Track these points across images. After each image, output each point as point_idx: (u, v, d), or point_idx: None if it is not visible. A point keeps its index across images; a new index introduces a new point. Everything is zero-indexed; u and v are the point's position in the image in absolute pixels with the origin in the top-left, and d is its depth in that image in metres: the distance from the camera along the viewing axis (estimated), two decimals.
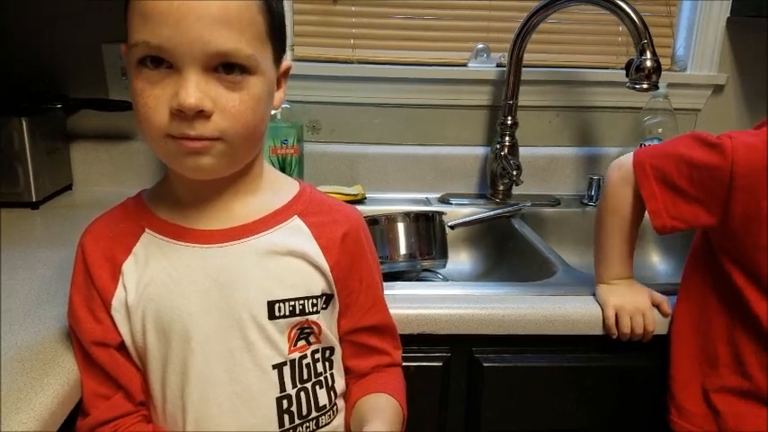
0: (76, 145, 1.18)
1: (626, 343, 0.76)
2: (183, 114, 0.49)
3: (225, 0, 0.49)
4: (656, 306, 0.77)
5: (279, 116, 1.14)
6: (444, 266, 1.06)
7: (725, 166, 0.67)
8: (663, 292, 0.79)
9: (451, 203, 1.20)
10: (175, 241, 0.57)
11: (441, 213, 1.06)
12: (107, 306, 0.56)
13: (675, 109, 1.22)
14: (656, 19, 1.30)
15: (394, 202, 1.19)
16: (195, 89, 0.49)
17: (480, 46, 1.25)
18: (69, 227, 1.00)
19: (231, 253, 0.57)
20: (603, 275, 0.79)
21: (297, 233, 0.59)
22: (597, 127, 1.29)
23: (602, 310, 0.76)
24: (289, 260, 0.58)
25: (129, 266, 0.56)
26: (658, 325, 0.76)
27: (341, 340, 0.64)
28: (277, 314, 0.56)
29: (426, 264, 1.03)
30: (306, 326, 0.58)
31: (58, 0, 1.09)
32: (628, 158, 0.77)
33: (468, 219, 1.13)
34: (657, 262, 1.18)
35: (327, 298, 0.60)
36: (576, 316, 0.76)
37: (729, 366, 0.72)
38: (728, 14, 1.25)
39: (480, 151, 1.26)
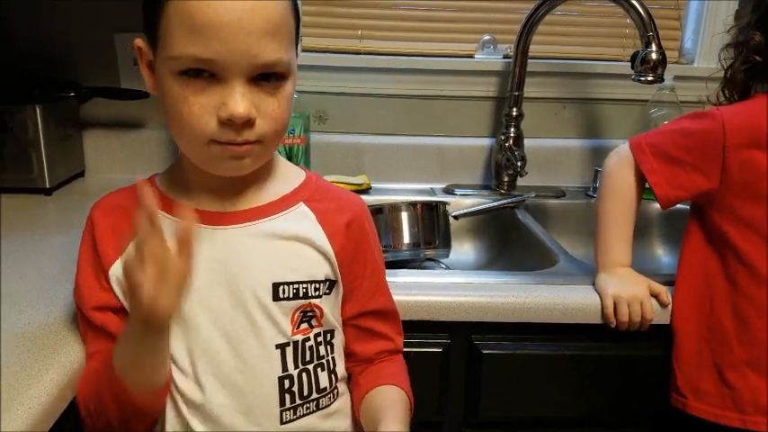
0: (89, 133, 1.20)
1: (625, 332, 0.77)
2: (231, 123, 0.51)
3: (265, 7, 0.51)
4: (655, 296, 0.77)
5: None
6: (447, 256, 1.08)
7: (717, 128, 0.73)
8: (666, 283, 0.80)
9: (456, 194, 1.21)
10: None
11: (444, 203, 1.08)
12: (106, 273, 0.58)
13: (682, 101, 1.22)
14: (664, 11, 1.30)
15: (399, 192, 1.20)
16: (243, 99, 0.51)
17: (487, 37, 1.25)
18: (81, 213, 0.99)
19: (239, 235, 0.59)
20: (603, 262, 0.80)
21: (302, 219, 0.61)
22: (603, 119, 1.30)
23: (600, 298, 0.77)
24: (294, 245, 0.60)
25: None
26: (657, 314, 0.77)
27: (345, 325, 0.65)
28: (281, 296, 0.58)
29: (429, 253, 1.05)
30: (308, 309, 0.60)
31: None
32: (624, 145, 0.81)
33: (471, 209, 1.14)
34: (661, 254, 1.19)
35: (331, 284, 0.62)
36: (574, 305, 0.77)
37: (738, 338, 0.74)
38: (737, 7, 1.24)
39: (486, 142, 1.27)
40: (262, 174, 0.61)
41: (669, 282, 0.80)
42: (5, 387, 0.52)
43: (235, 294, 0.58)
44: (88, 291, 0.59)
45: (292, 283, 0.59)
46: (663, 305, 0.77)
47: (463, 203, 1.17)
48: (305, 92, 1.21)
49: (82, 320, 0.61)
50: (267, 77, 0.53)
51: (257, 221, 0.59)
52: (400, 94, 1.26)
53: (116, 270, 0.58)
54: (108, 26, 1.15)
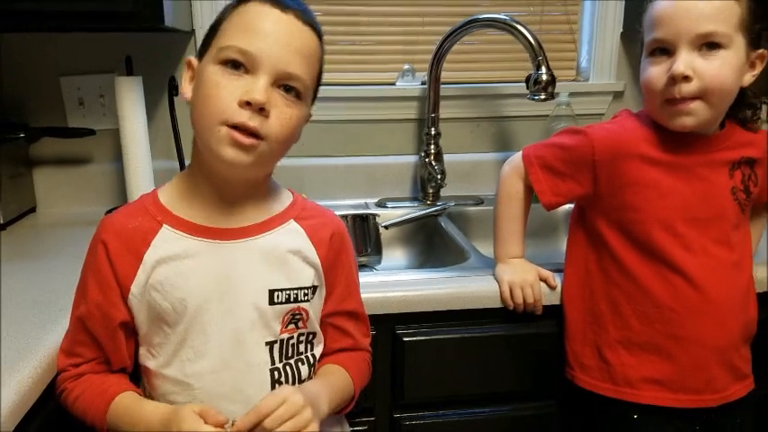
0: (39, 170, 1.28)
1: (523, 314, 0.90)
2: (249, 107, 0.61)
3: (305, 36, 0.65)
4: (544, 280, 0.91)
5: None
6: (380, 262, 1.20)
7: (587, 144, 0.85)
8: (558, 271, 0.93)
9: (387, 207, 1.34)
10: (192, 236, 0.68)
11: (374, 215, 1.20)
12: (124, 290, 0.67)
13: (583, 114, 1.40)
14: (561, 36, 1.48)
15: (336, 208, 1.28)
16: (265, 91, 0.62)
17: (406, 67, 1.40)
18: (34, 245, 1.10)
19: (240, 249, 0.69)
20: (500, 255, 0.94)
21: (294, 234, 0.72)
22: (512, 134, 1.46)
23: (498, 285, 0.90)
24: (287, 256, 0.70)
25: (149, 256, 0.66)
26: (545, 296, 0.91)
27: (322, 323, 0.76)
28: (275, 300, 0.69)
29: (363, 260, 1.17)
30: (297, 312, 0.71)
31: (16, 37, 1.20)
32: (517, 155, 0.93)
33: (397, 219, 1.27)
34: None
35: (314, 289, 0.73)
36: (479, 293, 0.90)
37: (612, 321, 0.86)
38: (621, 29, 1.43)
39: (412, 159, 1.40)
40: (260, 194, 0.72)
41: (560, 269, 0.94)
42: None
43: (236, 300, 0.68)
44: (97, 312, 0.67)
45: (285, 289, 0.69)
46: (551, 288, 0.91)
47: (394, 215, 1.30)
48: None
49: (77, 328, 0.69)
50: (288, 90, 0.64)
51: (256, 237, 0.69)
52: (332, 120, 1.38)
53: (135, 289, 0.66)
54: (53, 70, 1.23)
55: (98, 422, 0.67)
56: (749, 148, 0.86)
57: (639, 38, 0.86)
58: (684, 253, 0.82)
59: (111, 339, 0.69)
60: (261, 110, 0.62)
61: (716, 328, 0.83)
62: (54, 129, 1.22)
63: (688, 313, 0.82)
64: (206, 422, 0.60)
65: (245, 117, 0.62)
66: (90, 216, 1.20)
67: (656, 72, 0.80)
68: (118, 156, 1.19)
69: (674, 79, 0.77)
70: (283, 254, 0.70)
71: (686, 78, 0.77)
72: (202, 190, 0.69)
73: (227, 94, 0.62)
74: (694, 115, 0.79)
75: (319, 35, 0.68)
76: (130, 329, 0.70)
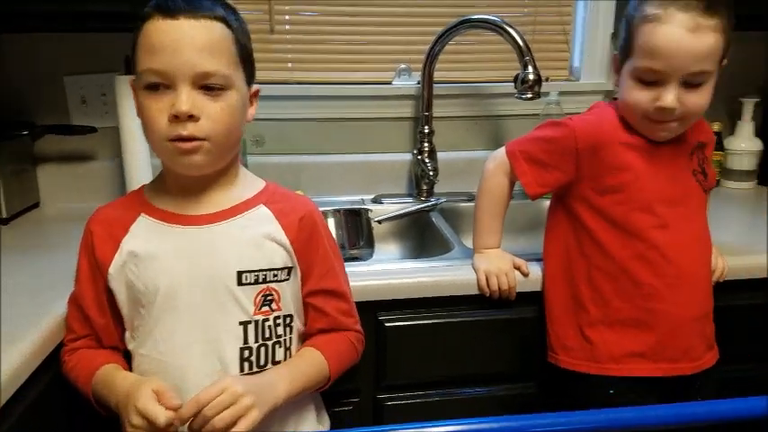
0: (43, 167, 1.32)
1: (500, 301, 0.93)
2: (178, 119, 0.66)
3: (204, 31, 0.67)
4: (517, 268, 0.94)
5: None
6: (372, 256, 1.22)
7: (570, 135, 0.89)
8: (532, 260, 0.97)
9: (383, 203, 1.36)
10: (165, 223, 0.73)
11: (367, 210, 1.23)
12: (104, 272, 0.72)
13: (573, 113, 1.40)
14: (554, 36, 1.51)
15: (334, 203, 1.34)
16: (187, 100, 0.66)
17: (402, 66, 1.43)
18: (34, 238, 1.14)
19: (210, 233, 0.72)
20: (478, 245, 0.97)
21: (263, 217, 0.75)
22: (504, 132, 1.48)
23: (475, 273, 0.93)
24: (256, 239, 0.73)
25: (126, 241, 0.72)
26: (521, 283, 0.94)
27: (304, 304, 0.78)
28: (244, 281, 0.72)
29: (354, 252, 1.19)
30: (268, 293, 0.73)
31: (22, 38, 1.24)
32: (500, 151, 0.97)
33: (389, 215, 1.29)
34: None
35: (289, 270, 0.75)
36: (457, 281, 0.93)
37: (592, 302, 0.89)
38: (612, 30, 1.45)
39: (408, 157, 1.43)
40: (228, 182, 0.76)
41: (536, 259, 0.97)
42: None
43: (207, 281, 0.71)
44: (88, 292, 0.74)
45: (253, 270, 0.72)
46: (524, 275, 0.94)
47: (387, 210, 1.32)
48: None
49: (73, 307, 0.76)
50: (210, 88, 0.67)
51: (225, 221, 0.73)
52: (329, 118, 1.41)
53: (113, 270, 0.72)
54: (57, 70, 1.28)
55: (85, 389, 0.72)
56: (699, 134, 0.93)
57: (620, 44, 0.89)
58: (660, 231, 0.87)
59: (101, 316, 0.74)
60: (190, 117, 0.66)
61: (690, 299, 0.88)
62: (58, 126, 1.26)
63: (665, 287, 0.87)
64: (160, 402, 0.63)
65: (180, 129, 0.67)
66: (91, 211, 1.22)
67: (644, 98, 0.84)
68: (119, 153, 1.23)
69: (663, 110, 0.82)
70: (252, 236, 0.73)
71: (672, 110, 0.82)
72: (172, 185, 0.75)
73: (158, 114, 0.67)
74: (670, 131, 0.87)
75: (221, 18, 0.68)
76: (117, 310, 0.74)
